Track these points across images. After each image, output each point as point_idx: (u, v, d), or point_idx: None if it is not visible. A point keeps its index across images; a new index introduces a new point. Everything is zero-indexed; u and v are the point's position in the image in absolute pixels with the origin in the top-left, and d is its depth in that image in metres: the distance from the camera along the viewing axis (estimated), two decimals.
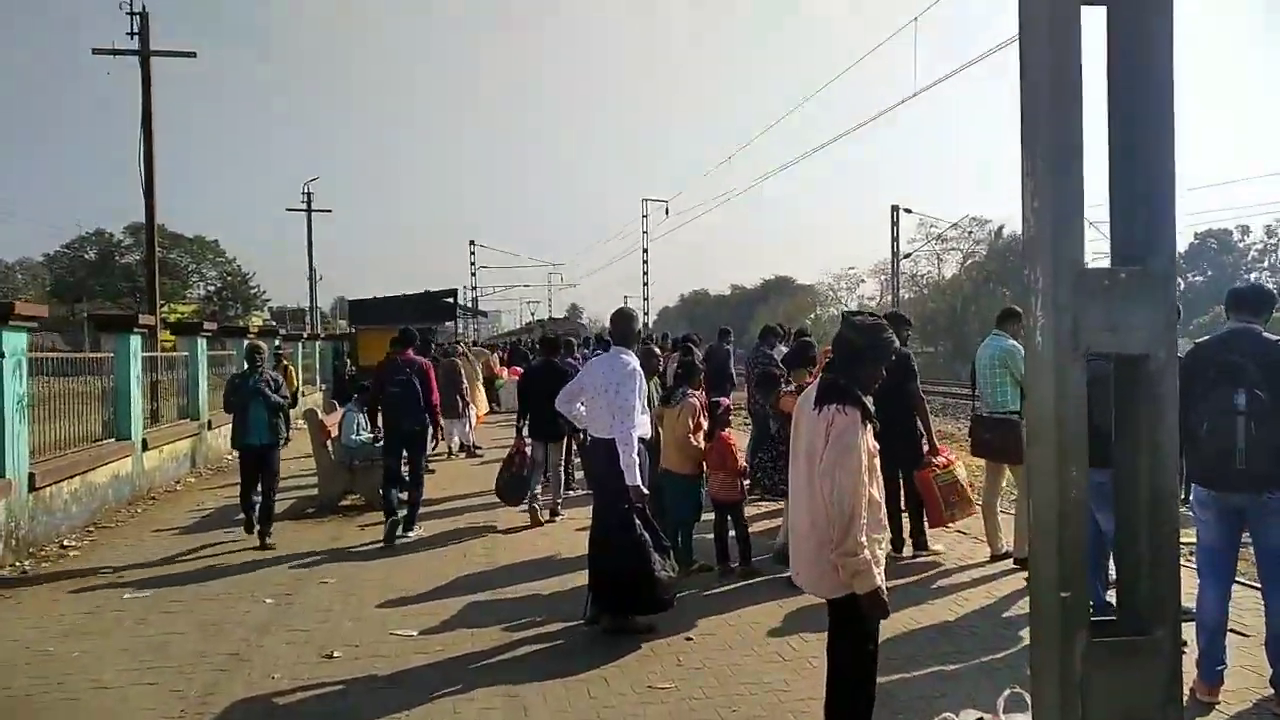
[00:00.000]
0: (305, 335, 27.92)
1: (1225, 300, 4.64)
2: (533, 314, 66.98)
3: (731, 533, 7.07)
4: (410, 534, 8.79)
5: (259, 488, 8.70)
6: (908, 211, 38.84)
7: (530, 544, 8.48)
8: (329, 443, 10.54)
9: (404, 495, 9.06)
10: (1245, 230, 70.58)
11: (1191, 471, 4.45)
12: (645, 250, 44.62)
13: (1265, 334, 4.35)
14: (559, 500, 9.70)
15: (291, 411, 10.02)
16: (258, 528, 8.65)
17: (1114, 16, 1.80)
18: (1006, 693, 3.51)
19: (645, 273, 44.02)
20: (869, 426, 3.41)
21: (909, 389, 7.12)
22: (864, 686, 3.54)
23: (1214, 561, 4.45)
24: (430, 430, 9.03)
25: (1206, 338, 4.61)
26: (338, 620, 6.22)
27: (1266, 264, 71.09)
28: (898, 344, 3.69)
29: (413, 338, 9.41)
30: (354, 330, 27.01)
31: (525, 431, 9.44)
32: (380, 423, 9.37)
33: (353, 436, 10.57)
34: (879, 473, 3.50)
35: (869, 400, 3.45)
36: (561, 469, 10.09)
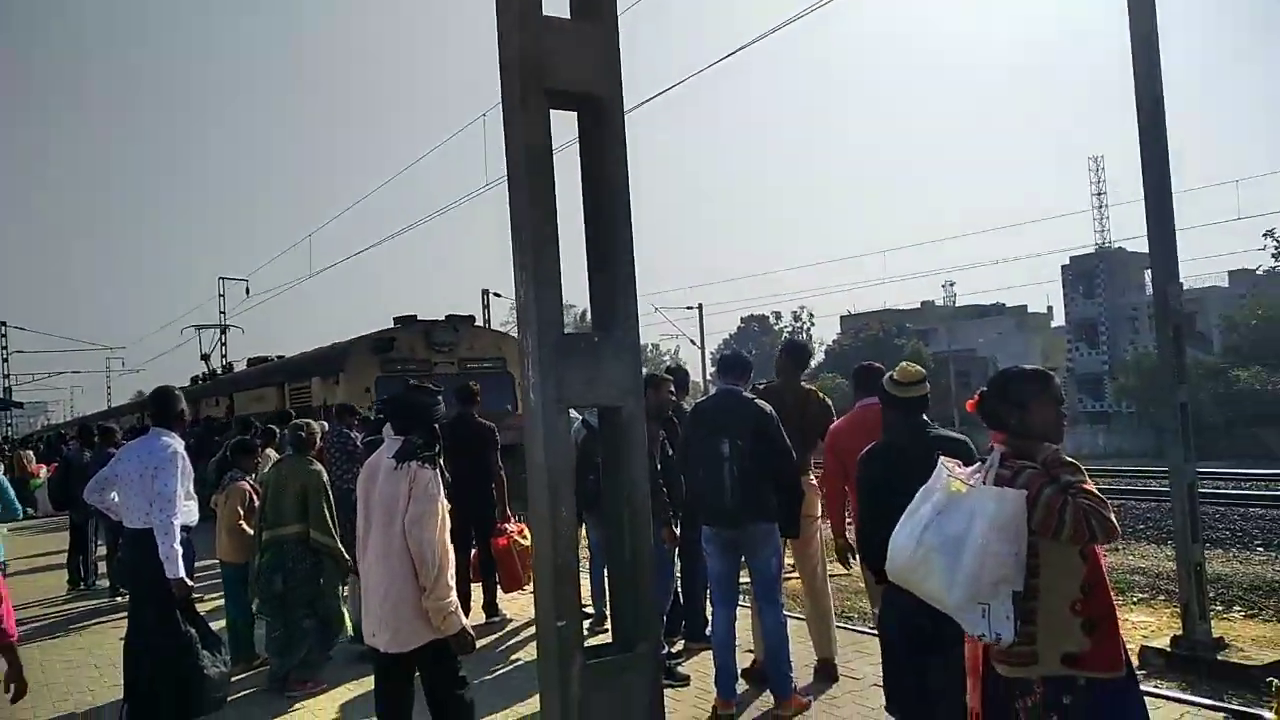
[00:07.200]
0: None
1: (715, 366, 5.49)
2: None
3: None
4: None
5: None
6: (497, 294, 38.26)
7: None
8: None
9: None
10: (778, 315, 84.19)
11: (697, 512, 5.15)
12: (223, 330, 40.38)
13: (744, 394, 5.03)
14: None
15: None
16: None
17: (582, 121, 2.10)
18: None
19: (224, 355, 39.63)
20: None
21: (489, 459, 7.40)
22: None
23: (722, 588, 5.08)
24: None
25: (703, 399, 5.39)
26: None
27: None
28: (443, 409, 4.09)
29: None
30: None
31: None
32: None
33: None
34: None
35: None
36: None
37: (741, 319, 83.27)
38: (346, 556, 5.74)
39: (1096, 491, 2.47)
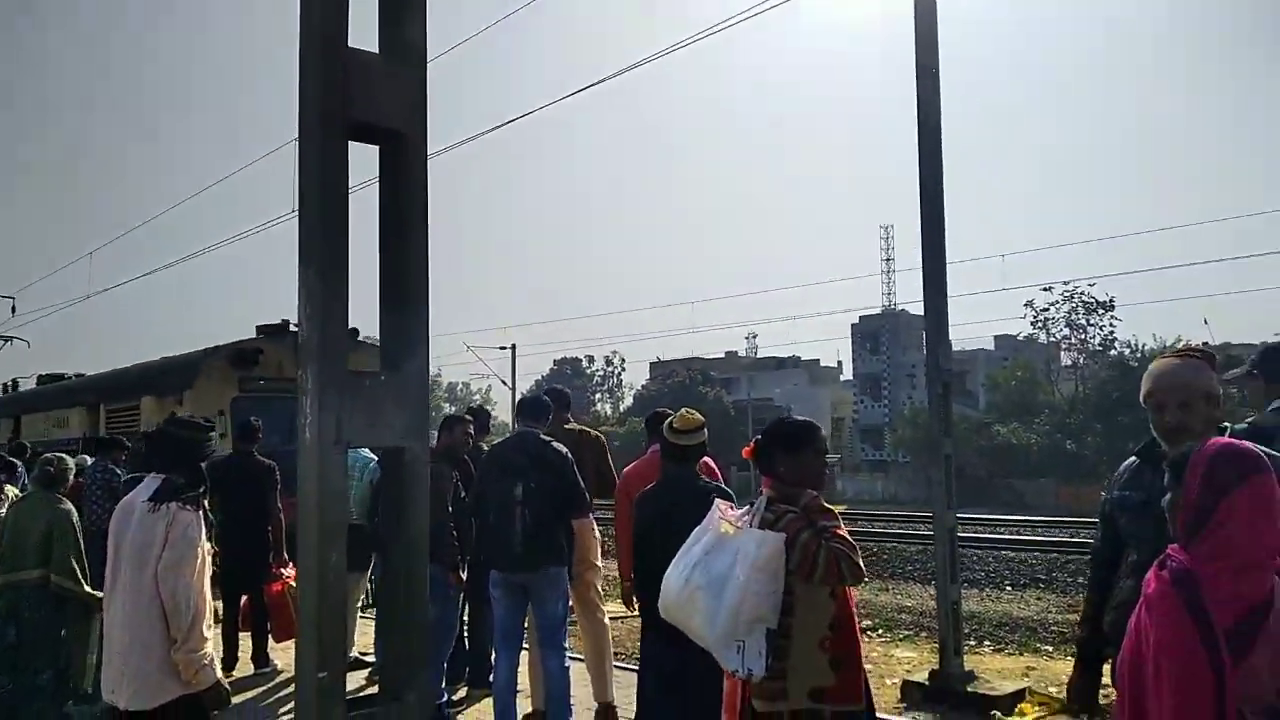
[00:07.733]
0: None
1: (517, 409, 5.49)
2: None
3: None
4: None
5: None
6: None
7: None
8: None
9: None
10: (591, 359, 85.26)
11: (486, 556, 5.10)
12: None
13: (541, 436, 5.09)
14: None
15: None
16: None
17: (383, 156, 2.09)
18: None
19: None
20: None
21: (267, 500, 7.08)
22: None
23: (505, 633, 5.04)
24: None
25: (501, 439, 5.38)
26: None
27: (606, 386, 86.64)
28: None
29: None
30: None
31: None
32: None
33: None
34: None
35: None
36: None
37: (555, 361, 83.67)
38: (98, 595, 5.21)
39: (848, 537, 2.69)
